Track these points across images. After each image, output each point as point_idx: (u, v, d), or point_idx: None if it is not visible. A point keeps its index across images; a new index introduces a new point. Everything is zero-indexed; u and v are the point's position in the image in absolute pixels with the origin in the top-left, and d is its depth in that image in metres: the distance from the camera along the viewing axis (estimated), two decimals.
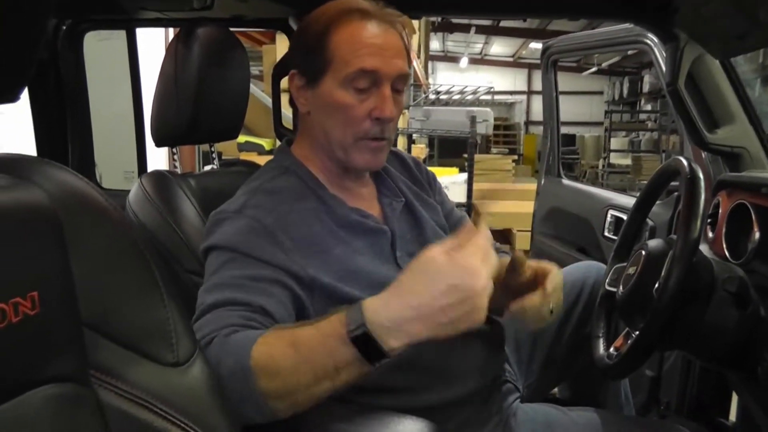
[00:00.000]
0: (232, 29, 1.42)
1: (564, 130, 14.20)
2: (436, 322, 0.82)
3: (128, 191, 1.28)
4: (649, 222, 1.86)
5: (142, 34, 2.00)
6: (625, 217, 1.52)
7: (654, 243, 1.26)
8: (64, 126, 1.80)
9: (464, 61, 17.84)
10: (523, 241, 4.05)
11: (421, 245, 1.22)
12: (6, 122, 2.29)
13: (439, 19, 11.45)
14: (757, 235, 1.29)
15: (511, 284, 1.14)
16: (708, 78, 1.59)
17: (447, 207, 1.38)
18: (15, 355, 0.60)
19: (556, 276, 1.15)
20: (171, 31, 2.81)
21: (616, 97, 15.63)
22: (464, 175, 4.54)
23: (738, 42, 1.24)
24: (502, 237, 4.55)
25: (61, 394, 0.63)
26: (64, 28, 1.76)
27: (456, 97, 7.16)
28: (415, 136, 5.31)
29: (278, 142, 1.44)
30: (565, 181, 2.69)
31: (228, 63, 1.34)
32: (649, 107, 14.70)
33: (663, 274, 1.13)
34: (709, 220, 1.52)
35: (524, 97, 18.91)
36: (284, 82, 1.32)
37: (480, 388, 1.22)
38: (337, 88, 1.11)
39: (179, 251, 1.19)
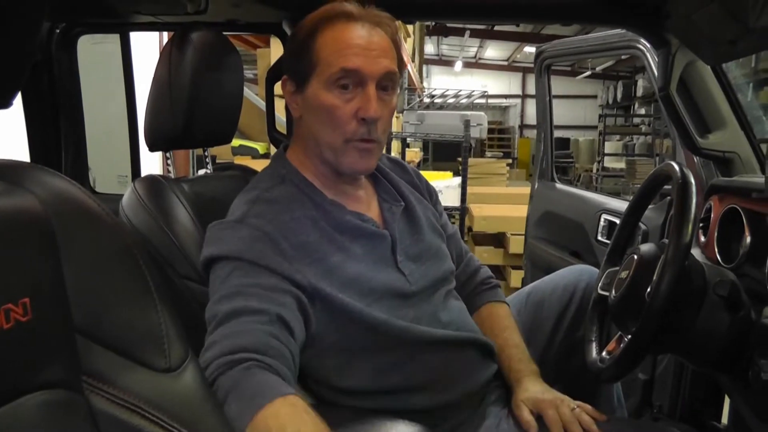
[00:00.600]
0: (226, 33, 1.43)
1: (558, 133, 14.21)
2: None
3: (122, 196, 1.28)
4: (642, 226, 1.87)
5: (136, 37, 2.00)
6: (618, 222, 1.53)
7: (646, 247, 1.26)
8: (57, 130, 1.80)
9: (459, 65, 17.86)
10: (516, 245, 4.06)
11: (420, 249, 1.23)
12: None
13: (434, 23, 11.47)
14: (748, 239, 1.30)
15: None
16: (699, 83, 1.60)
17: (442, 221, 1.39)
18: (7, 361, 0.60)
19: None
20: (165, 35, 2.81)
21: (610, 101, 15.67)
22: (458, 179, 4.54)
23: (729, 47, 1.25)
24: (496, 241, 4.56)
25: (53, 400, 0.63)
26: (58, 31, 1.76)
27: (450, 100, 7.16)
28: (409, 139, 5.31)
29: (272, 147, 1.44)
30: (559, 185, 2.70)
31: (222, 67, 1.34)
32: (642, 111, 14.74)
33: (655, 278, 1.14)
34: (701, 225, 1.53)
35: (519, 100, 18.94)
36: (278, 87, 1.33)
37: (471, 393, 1.23)
38: (322, 90, 1.11)
39: (173, 256, 1.19)
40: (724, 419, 1.64)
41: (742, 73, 7.44)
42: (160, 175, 1.29)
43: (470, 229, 4.71)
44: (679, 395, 1.69)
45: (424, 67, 14.12)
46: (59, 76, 1.77)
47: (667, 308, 1.09)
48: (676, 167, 1.22)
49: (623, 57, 12.89)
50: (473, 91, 7.28)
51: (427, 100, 7.32)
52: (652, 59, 1.87)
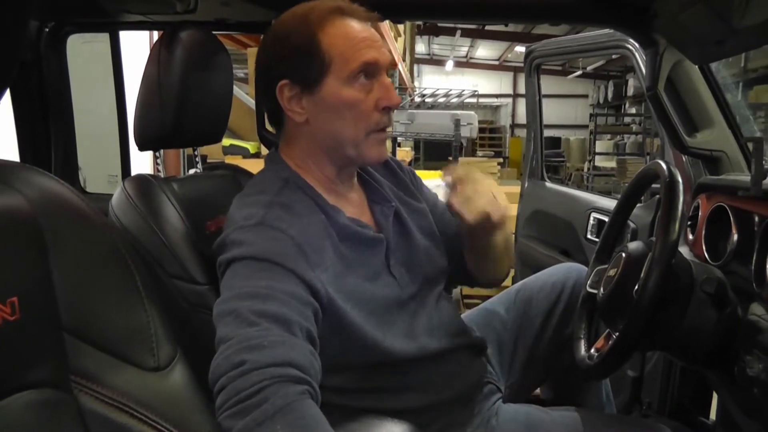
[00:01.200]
0: (215, 33, 1.42)
1: (549, 133, 14.31)
2: None
3: (112, 195, 1.28)
4: (631, 224, 1.88)
5: (126, 36, 2.00)
6: (607, 220, 1.54)
7: (634, 245, 1.27)
8: (47, 129, 1.79)
9: (450, 65, 17.88)
10: None
11: (409, 253, 1.22)
12: None
13: (425, 22, 11.47)
14: (735, 237, 1.31)
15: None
16: (687, 83, 1.61)
17: (431, 201, 1.39)
18: None
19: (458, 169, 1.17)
20: (155, 34, 2.80)
21: (601, 101, 15.73)
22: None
23: (716, 47, 1.26)
24: None
25: (42, 399, 0.63)
26: (47, 30, 1.75)
27: (441, 100, 7.18)
28: (400, 139, 5.31)
29: (263, 146, 1.43)
30: (549, 184, 2.71)
31: (211, 66, 1.34)
32: (633, 110, 14.81)
33: (642, 275, 1.14)
34: (689, 223, 1.54)
35: (510, 100, 18.98)
36: None
37: (462, 391, 1.23)
38: (342, 86, 1.10)
39: (162, 256, 1.18)
40: (713, 415, 1.65)
41: (731, 72, 7.49)
42: (149, 175, 1.29)
43: None
44: (668, 392, 1.70)
45: (415, 67, 14.13)
46: (48, 76, 1.76)
47: (655, 305, 1.09)
48: (664, 166, 1.23)
49: (613, 57, 12.95)
50: (464, 90, 7.29)
51: (417, 99, 7.32)
52: (640, 59, 1.88)
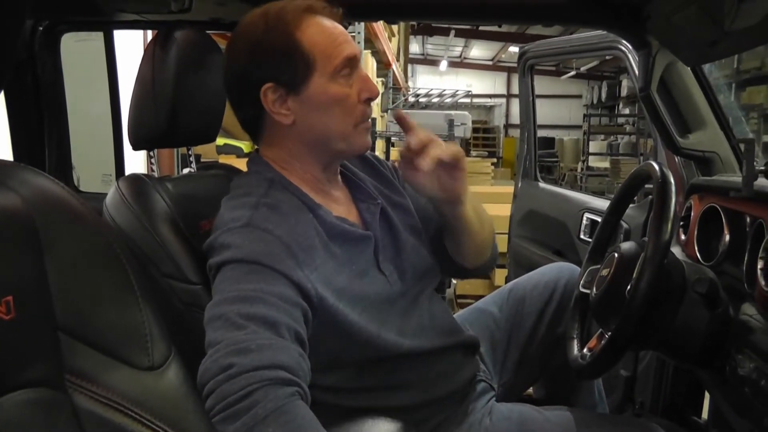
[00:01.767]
0: (210, 32, 1.42)
1: (543, 133, 14.35)
2: None
3: (106, 194, 1.28)
4: (624, 224, 1.89)
5: (121, 35, 1.99)
6: (600, 220, 1.54)
7: (626, 245, 1.28)
8: (41, 128, 1.78)
9: (444, 65, 17.90)
10: (500, 244, 4.07)
11: (397, 250, 1.23)
12: None
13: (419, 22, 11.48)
14: (727, 237, 1.32)
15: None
16: (680, 84, 1.62)
17: (412, 192, 1.37)
18: None
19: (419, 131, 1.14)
20: (150, 33, 2.80)
21: (595, 101, 15.77)
22: None
23: (708, 49, 1.27)
24: None
25: (37, 398, 0.63)
26: (41, 29, 1.75)
27: (435, 100, 7.19)
28: (393, 139, 5.32)
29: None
30: (542, 185, 2.72)
31: (206, 66, 1.34)
32: (627, 111, 14.86)
33: (635, 275, 1.15)
34: (681, 223, 1.55)
35: (503, 100, 19.02)
36: None
37: (455, 390, 1.24)
38: (329, 83, 1.11)
39: (156, 255, 1.18)
40: (705, 414, 1.66)
41: (723, 74, 7.52)
42: (143, 174, 1.28)
43: None
44: (661, 391, 1.71)
45: (409, 67, 14.13)
46: (42, 75, 1.76)
47: (647, 305, 1.10)
48: (656, 167, 1.24)
49: (607, 57, 12.99)
50: (458, 90, 7.31)
51: (411, 99, 7.34)
52: (633, 60, 1.89)
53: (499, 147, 16.92)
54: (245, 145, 4.96)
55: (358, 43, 4.06)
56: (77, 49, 2.02)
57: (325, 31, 1.12)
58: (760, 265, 1.12)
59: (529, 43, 2.67)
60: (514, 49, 14.72)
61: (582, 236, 2.20)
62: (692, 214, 1.50)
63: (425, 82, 17.00)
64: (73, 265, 0.69)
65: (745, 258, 1.20)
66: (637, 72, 1.75)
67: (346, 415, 1.06)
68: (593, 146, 13.52)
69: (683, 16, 1.25)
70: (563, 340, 1.37)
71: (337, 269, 1.10)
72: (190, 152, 1.52)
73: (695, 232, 1.45)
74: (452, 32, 13.97)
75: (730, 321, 1.18)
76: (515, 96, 17.81)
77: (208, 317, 0.96)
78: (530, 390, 1.63)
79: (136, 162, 2.15)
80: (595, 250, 1.43)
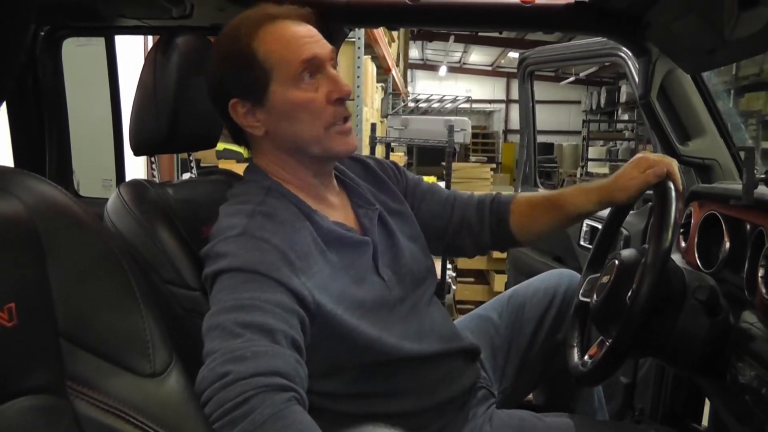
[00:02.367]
0: (211, 38, 1.43)
1: (542, 138, 14.35)
2: None
3: (106, 199, 1.28)
4: (624, 231, 1.89)
5: (122, 40, 1.99)
6: (600, 227, 1.55)
7: (627, 252, 1.28)
8: (42, 133, 1.79)
9: (443, 70, 17.92)
10: None
11: (395, 255, 1.23)
12: None
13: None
14: (727, 245, 1.32)
15: None
16: (680, 91, 1.62)
17: (411, 184, 1.40)
18: None
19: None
20: (150, 39, 2.80)
21: (594, 107, 15.79)
22: (442, 184, 4.56)
23: (708, 57, 1.27)
24: None
25: (38, 405, 0.63)
26: (43, 34, 1.75)
27: (435, 105, 7.20)
28: (393, 144, 5.32)
29: None
30: (542, 191, 2.72)
31: None
32: (626, 117, 14.86)
33: (635, 282, 1.15)
34: (681, 230, 1.55)
35: (503, 105, 19.02)
36: None
37: (456, 395, 1.24)
38: (289, 89, 1.10)
39: (157, 261, 1.18)
40: (705, 421, 1.66)
41: (722, 80, 7.53)
42: (144, 180, 1.29)
43: None
44: (660, 398, 1.71)
45: (409, 72, 14.15)
46: (44, 79, 1.76)
47: (648, 312, 1.10)
48: None
49: (606, 64, 13.01)
50: (457, 96, 7.32)
51: (411, 104, 7.34)
52: (633, 67, 1.90)
53: (499, 152, 16.90)
54: (245, 150, 4.95)
55: (358, 48, 4.06)
56: (78, 54, 2.02)
57: (282, 36, 1.11)
58: (760, 273, 1.12)
59: (528, 49, 2.68)
60: (513, 54, 14.74)
61: (582, 243, 2.20)
62: (692, 221, 1.50)
63: (424, 87, 17.01)
64: (75, 272, 0.69)
65: (746, 266, 1.20)
66: (636, 79, 1.75)
67: (346, 422, 1.05)
68: (592, 152, 13.53)
69: (683, 24, 1.25)
70: (563, 347, 1.37)
71: (335, 275, 1.10)
72: (190, 157, 1.53)
73: (695, 240, 1.46)
74: (452, 38, 13.99)
75: (730, 329, 1.18)
76: (514, 101, 17.89)
77: (205, 327, 0.96)
78: (530, 396, 1.63)
79: (136, 167, 2.16)
80: (594, 259, 1.44)
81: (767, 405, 1.02)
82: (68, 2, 1.57)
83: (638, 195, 1.29)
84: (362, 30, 4.06)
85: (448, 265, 4.16)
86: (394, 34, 7.00)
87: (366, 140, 4.24)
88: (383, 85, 7.42)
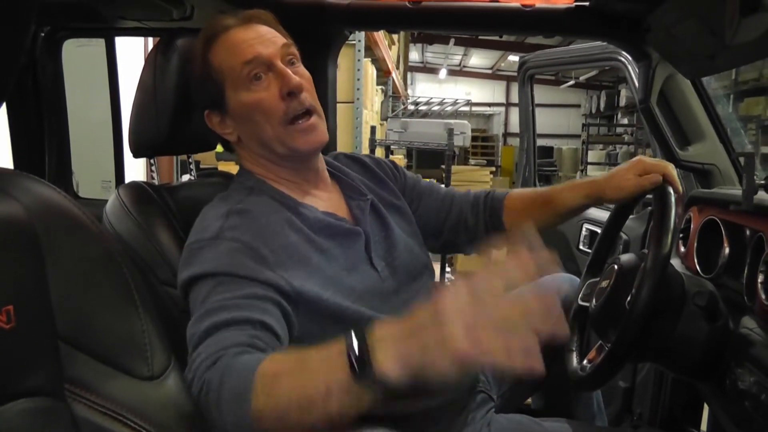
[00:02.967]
0: None
1: (542, 142, 14.37)
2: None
3: (105, 201, 1.28)
4: (623, 236, 1.89)
5: (122, 41, 1.99)
6: (599, 231, 1.54)
7: (626, 257, 1.28)
8: (41, 134, 1.79)
9: (443, 73, 17.94)
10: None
11: (388, 247, 1.23)
12: None
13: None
14: (726, 250, 1.32)
15: None
16: (679, 96, 1.62)
17: (410, 182, 1.42)
18: None
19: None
20: (150, 40, 2.80)
21: (593, 111, 15.81)
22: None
23: (708, 62, 1.27)
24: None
25: (36, 408, 0.63)
26: (43, 35, 1.75)
27: (435, 108, 7.20)
28: (393, 147, 5.33)
29: None
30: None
31: None
32: (625, 121, 14.89)
33: (634, 287, 1.15)
34: (681, 235, 1.55)
35: (502, 108, 19.04)
36: None
37: (455, 397, 1.23)
38: (241, 92, 1.13)
39: (155, 263, 1.18)
40: (704, 426, 1.66)
41: (722, 84, 7.55)
42: (143, 182, 1.29)
43: None
44: (659, 403, 1.71)
45: (409, 75, 14.16)
46: (44, 80, 1.76)
47: (647, 317, 1.10)
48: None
49: (606, 68, 13.03)
50: (457, 99, 7.33)
51: (411, 107, 7.35)
52: (633, 71, 1.90)
53: (498, 156, 16.93)
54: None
55: (358, 51, 4.06)
56: (77, 55, 2.02)
57: (229, 45, 1.14)
58: (760, 278, 1.12)
59: (528, 53, 2.68)
60: (513, 57, 14.76)
61: (581, 247, 2.20)
62: (692, 226, 1.50)
63: (424, 90, 17.04)
64: (74, 274, 0.69)
65: (745, 271, 1.20)
66: (636, 83, 1.75)
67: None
68: (592, 156, 13.55)
69: (683, 28, 1.25)
70: (561, 351, 1.36)
71: (325, 262, 1.10)
72: (190, 159, 1.53)
73: (695, 245, 1.46)
74: (452, 41, 14.01)
75: (729, 334, 1.18)
76: (514, 105, 17.91)
77: (187, 340, 0.95)
78: (529, 401, 1.63)
79: (135, 169, 2.15)
80: (594, 263, 1.43)
81: (766, 410, 1.02)
82: (68, 3, 1.57)
83: (629, 197, 1.30)
84: (362, 33, 4.06)
85: (447, 268, 4.16)
86: (394, 36, 7.00)
87: (366, 143, 4.24)
88: (383, 87, 7.43)
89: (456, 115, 14.64)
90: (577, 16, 1.49)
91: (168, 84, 1.27)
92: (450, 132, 4.42)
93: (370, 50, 5.35)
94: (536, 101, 2.77)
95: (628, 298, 1.17)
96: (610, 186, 1.30)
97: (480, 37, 13.83)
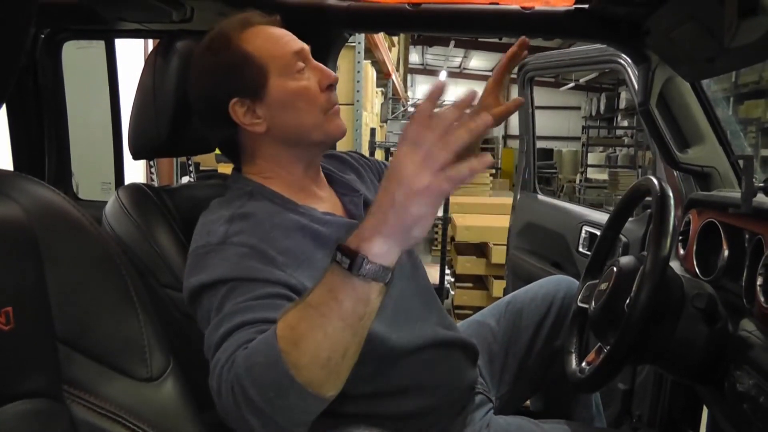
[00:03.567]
0: None
1: (542, 144, 14.36)
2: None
3: (105, 203, 1.28)
4: (623, 238, 1.89)
5: (121, 43, 2.00)
6: (598, 233, 1.55)
7: (625, 259, 1.28)
8: (41, 136, 1.79)
9: (443, 75, 17.93)
10: (499, 255, 4.08)
11: None
12: None
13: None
14: (725, 253, 1.32)
15: None
16: (679, 99, 1.62)
17: (377, 167, 1.44)
18: None
19: None
20: (150, 41, 2.80)
21: (594, 113, 15.81)
22: None
23: (707, 65, 1.27)
24: (479, 251, 4.58)
25: (35, 409, 0.63)
26: (43, 37, 1.75)
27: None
28: (393, 149, 5.32)
29: None
30: (541, 197, 2.72)
31: None
32: (625, 123, 14.88)
33: (634, 289, 1.16)
34: (680, 238, 1.55)
35: None
36: None
37: (455, 398, 1.24)
38: (286, 81, 1.15)
39: (155, 265, 1.18)
40: (703, 429, 1.66)
41: (721, 87, 7.54)
42: (143, 184, 1.29)
43: (453, 238, 4.72)
44: (659, 405, 1.71)
45: (409, 77, 14.16)
46: (44, 82, 1.76)
47: (646, 319, 1.10)
48: (655, 181, 1.25)
49: (606, 70, 13.03)
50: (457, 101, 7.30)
51: (411, 109, 7.34)
52: (633, 74, 1.90)
53: (498, 158, 16.92)
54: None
55: (358, 53, 4.06)
56: (77, 57, 2.02)
57: (267, 35, 1.17)
58: (759, 281, 1.12)
59: (528, 56, 2.68)
60: None
61: (581, 249, 2.20)
62: (691, 228, 1.50)
63: (424, 92, 16.97)
64: (73, 276, 0.69)
65: (744, 274, 1.20)
66: (636, 86, 1.75)
67: (347, 424, 1.05)
68: (592, 158, 13.54)
69: (683, 31, 1.25)
70: (561, 353, 1.37)
71: (328, 259, 1.10)
72: (189, 161, 1.53)
73: (694, 247, 1.46)
74: (452, 43, 14.02)
75: (728, 337, 1.18)
76: None
77: (205, 349, 0.95)
78: (527, 402, 1.63)
79: (135, 171, 2.15)
80: (593, 265, 1.44)
81: (765, 413, 1.02)
82: (68, 5, 1.57)
83: None
84: (362, 35, 4.06)
85: (447, 271, 4.15)
86: (395, 39, 7.00)
87: (365, 145, 4.23)
88: (383, 89, 7.42)
89: None
90: (577, 19, 1.49)
91: (168, 86, 1.27)
92: None
93: (370, 52, 5.35)
94: (536, 103, 2.77)
95: (628, 301, 1.17)
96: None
97: (480, 40, 13.84)
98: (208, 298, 1.00)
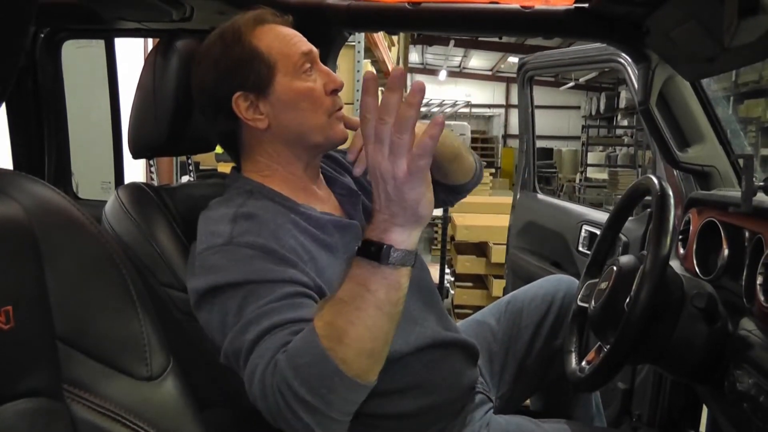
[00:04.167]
0: None
1: (542, 143, 14.37)
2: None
3: (105, 202, 1.28)
4: (623, 237, 1.89)
5: (121, 42, 1.99)
6: (598, 233, 1.55)
7: (625, 259, 1.28)
8: (41, 135, 1.79)
9: (443, 74, 17.93)
10: (498, 255, 4.08)
11: None
12: None
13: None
14: (725, 252, 1.32)
15: None
16: (679, 98, 1.62)
17: None
18: None
19: None
20: (150, 41, 2.80)
21: (593, 112, 15.81)
22: None
23: (707, 64, 1.27)
24: (478, 250, 4.58)
25: (35, 408, 0.63)
26: (42, 36, 1.75)
27: (435, 110, 7.20)
28: None
29: None
30: (540, 196, 2.72)
31: None
32: (625, 123, 14.89)
33: (633, 289, 1.16)
34: (680, 237, 1.55)
35: (502, 110, 19.03)
36: None
37: (455, 398, 1.24)
38: (293, 80, 1.15)
39: (155, 264, 1.18)
40: (703, 428, 1.66)
41: (721, 86, 7.54)
42: (143, 183, 1.29)
43: (453, 238, 4.72)
44: (658, 404, 1.71)
45: (409, 76, 14.16)
46: (43, 82, 1.76)
47: (646, 319, 1.10)
48: (655, 181, 1.25)
49: (606, 69, 13.03)
50: (457, 100, 7.33)
51: None
52: (632, 73, 1.90)
53: (498, 157, 16.92)
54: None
55: (358, 52, 4.06)
56: (77, 56, 2.02)
57: (278, 34, 1.17)
58: (759, 280, 1.12)
59: (528, 55, 2.68)
60: (513, 59, 14.75)
61: (580, 248, 2.20)
62: (691, 228, 1.51)
63: (427, 92, 16.97)
64: (73, 275, 0.69)
65: (744, 273, 1.20)
66: (636, 85, 1.75)
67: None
68: (591, 157, 13.54)
69: (683, 30, 1.25)
70: (561, 352, 1.37)
71: (334, 259, 1.11)
72: (189, 160, 1.53)
73: (694, 247, 1.46)
74: (452, 42, 14.01)
75: (728, 336, 1.18)
76: (514, 106, 17.89)
77: (229, 355, 0.96)
78: (527, 402, 1.63)
79: (135, 170, 2.15)
80: (593, 264, 1.44)
81: (765, 412, 1.02)
82: (68, 5, 1.57)
83: None
84: (362, 34, 4.06)
85: (447, 270, 4.15)
86: (394, 38, 6.99)
87: None
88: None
89: (456, 116, 14.63)
90: (577, 18, 1.49)
91: (167, 85, 1.27)
92: None
93: (370, 51, 5.35)
94: (536, 103, 2.77)
95: (627, 300, 1.17)
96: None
97: (480, 39, 13.83)
98: (221, 301, 0.99)
